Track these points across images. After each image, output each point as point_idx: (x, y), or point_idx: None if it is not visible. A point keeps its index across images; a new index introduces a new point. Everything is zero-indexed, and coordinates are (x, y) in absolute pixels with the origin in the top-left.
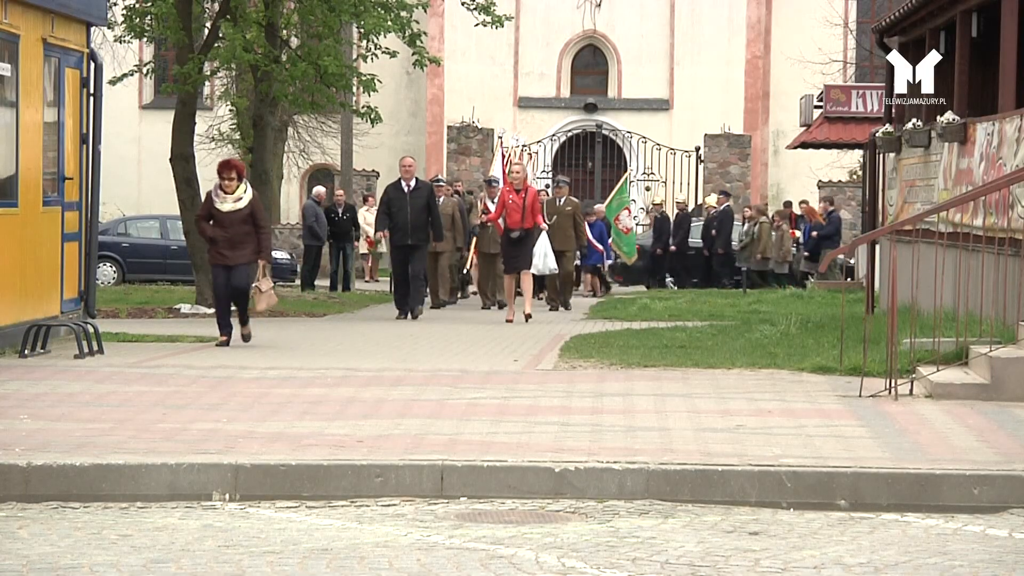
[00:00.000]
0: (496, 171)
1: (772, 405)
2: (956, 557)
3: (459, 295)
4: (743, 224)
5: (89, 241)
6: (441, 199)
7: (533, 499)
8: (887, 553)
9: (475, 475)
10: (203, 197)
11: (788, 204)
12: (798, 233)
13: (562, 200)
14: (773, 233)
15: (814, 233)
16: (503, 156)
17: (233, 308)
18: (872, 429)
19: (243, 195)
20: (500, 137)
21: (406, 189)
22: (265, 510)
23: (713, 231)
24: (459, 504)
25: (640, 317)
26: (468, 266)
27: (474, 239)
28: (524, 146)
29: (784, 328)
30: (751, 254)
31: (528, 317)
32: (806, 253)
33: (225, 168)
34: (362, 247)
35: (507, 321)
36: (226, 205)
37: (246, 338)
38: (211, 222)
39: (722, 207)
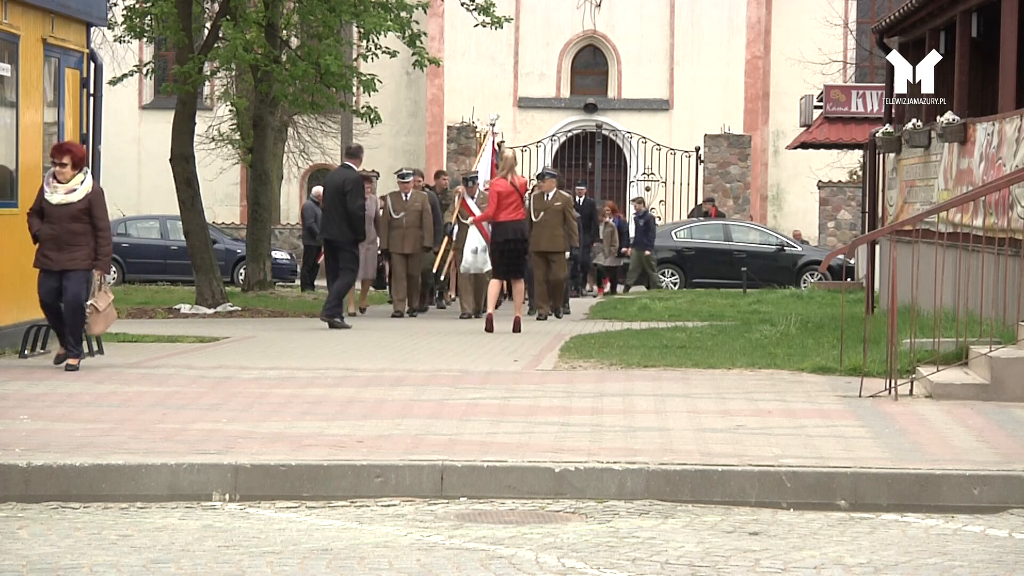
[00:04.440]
0: (483, 166)
1: (772, 405)
2: (956, 557)
3: (433, 301)
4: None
5: None
6: (410, 193)
7: (533, 499)
8: (887, 553)
9: (475, 475)
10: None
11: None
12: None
13: (550, 195)
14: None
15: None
16: (493, 148)
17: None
18: (872, 429)
19: (78, 186)
20: (492, 124)
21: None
22: (265, 510)
23: None
24: (459, 504)
25: (640, 317)
26: (444, 268)
27: (446, 238)
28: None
29: (784, 328)
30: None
31: (517, 326)
32: (624, 250)
33: (57, 152)
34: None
35: (487, 330)
36: (56, 196)
37: (70, 368)
38: (44, 218)
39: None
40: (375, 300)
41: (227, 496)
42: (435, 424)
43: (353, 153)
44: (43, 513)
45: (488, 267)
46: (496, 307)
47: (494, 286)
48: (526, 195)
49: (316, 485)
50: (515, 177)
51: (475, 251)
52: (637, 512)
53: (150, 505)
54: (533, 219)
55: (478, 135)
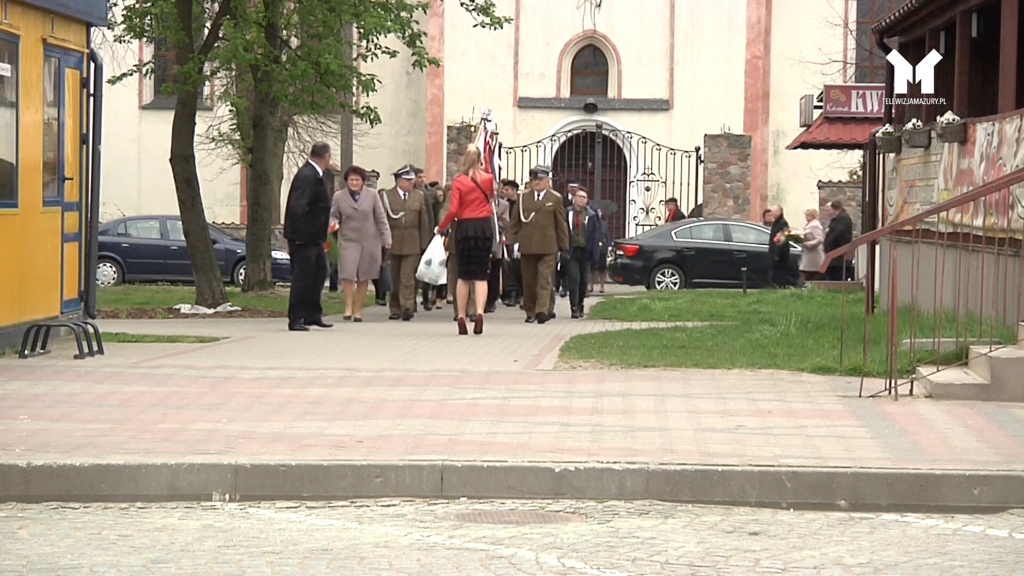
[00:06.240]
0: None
1: (772, 405)
2: (956, 557)
3: (429, 302)
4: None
5: (89, 241)
6: (409, 193)
7: (533, 499)
8: (887, 553)
9: (475, 475)
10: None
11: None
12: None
13: (541, 194)
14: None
15: None
16: (486, 144)
17: None
18: (872, 429)
19: None
20: (484, 119)
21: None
22: (265, 510)
23: None
24: (459, 504)
25: (640, 317)
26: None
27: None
28: (495, 134)
29: (784, 328)
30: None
31: (479, 326)
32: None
33: None
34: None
35: (461, 332)
36: None
37: None
38: None
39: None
40: (368, 300)
41: (227, 496)
42: (435, 424)
43: (316, 152)
44: (43, 513)
45: (442, 280)
46: (488, 310)
47: (461, 287)
48: (493, 191)
49: (316, 485)
50: (477, 173)
51: (428, 262)
52: (637, 512)
53: (150, 505)
54: (523, 220)
55: (472, 132)
